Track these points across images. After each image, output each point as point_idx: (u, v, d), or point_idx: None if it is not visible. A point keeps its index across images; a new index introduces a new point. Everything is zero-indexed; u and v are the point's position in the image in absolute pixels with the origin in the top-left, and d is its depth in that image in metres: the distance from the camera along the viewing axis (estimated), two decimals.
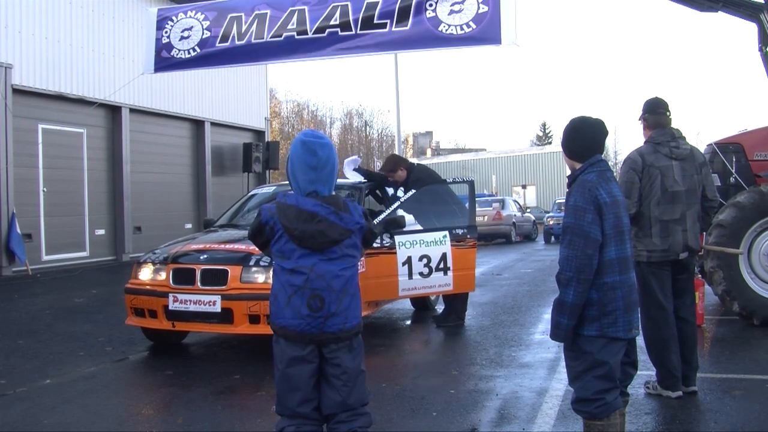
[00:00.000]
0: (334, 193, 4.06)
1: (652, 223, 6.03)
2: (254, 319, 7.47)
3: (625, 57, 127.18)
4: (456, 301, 9.84)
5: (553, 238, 29.76)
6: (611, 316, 4.12)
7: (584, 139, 4.35)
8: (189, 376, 7.27)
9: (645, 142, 6.21)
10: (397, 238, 8.93)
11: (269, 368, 7.29)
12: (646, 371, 6.48)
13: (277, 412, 4.04)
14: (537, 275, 16.23)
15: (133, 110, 19.96)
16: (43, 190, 17.04)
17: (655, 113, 6.21)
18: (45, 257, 17.07)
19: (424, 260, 9.01)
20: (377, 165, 48.77)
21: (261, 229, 4.00)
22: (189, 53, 11.13)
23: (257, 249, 7.74)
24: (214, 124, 23.78)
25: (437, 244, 9.12)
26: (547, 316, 9.19)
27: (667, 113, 6.24)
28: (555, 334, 4.20)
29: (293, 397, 3.93)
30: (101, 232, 19.08)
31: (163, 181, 21.46)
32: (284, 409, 3.97)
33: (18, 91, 16.38)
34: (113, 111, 19.50)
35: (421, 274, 9.00)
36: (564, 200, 4.40)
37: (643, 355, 6.27)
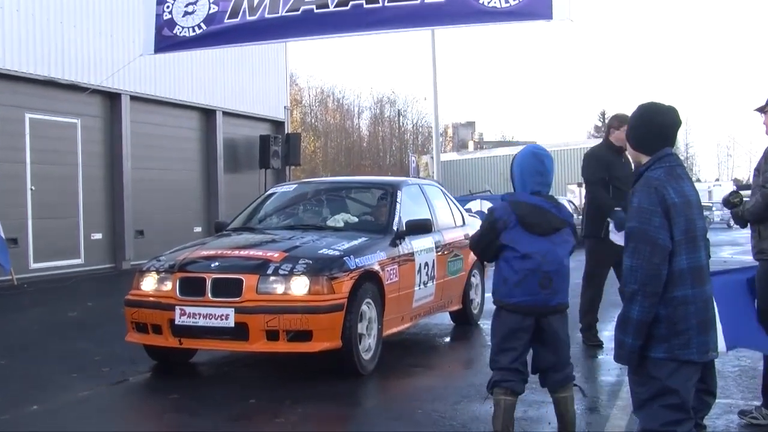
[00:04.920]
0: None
1: None
2: (272, 336, 7.48)
3: (698, 34, 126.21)
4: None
5: None
6: (683, 336, 4.07)
7: (653, 128, 4.31)
8: (198, 400, 7.31)
9: None
10: (414, 244, 9.14)
11: (289, 391, 7.35)
12: (724, 399, 6.42)
13: (491, 367, 5.66)
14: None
15: (134, 98, 20.05)
16: (31, 189, 17.13)
17: None
18: (33, 265, 17.17)
19: (427, 268, 9.39)
20: (412, 161, 48.54)
21: (494, 224, 5.55)
22: (194, 31, 11.17)
23: (276, 256, 7.79)
24: (226, 113, 23.86)
25: (429, 251, 9.56)
26: (608, 333, 9.12)
27: None
28: (618, 356, 4.17)
29: (506, 357, 5.53)
30: (98, 236, 19.19)
31: (168, 179, 21.55)
32: (498, 365, 5.58)
33: (1, 76, 16.49)
34: (111, 99, 19.61)
35: (424, 283, 9.31)
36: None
37: (722, 381, 6.21)
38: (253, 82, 25.17)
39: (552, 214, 5.59)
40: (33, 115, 17.35)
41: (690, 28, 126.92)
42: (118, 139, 19.71)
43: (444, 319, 11.13)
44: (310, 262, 7.71)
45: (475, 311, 11.09)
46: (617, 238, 8.54)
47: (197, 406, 7.10)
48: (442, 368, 8.89)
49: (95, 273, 18.49)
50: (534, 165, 5.66)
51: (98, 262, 19.12)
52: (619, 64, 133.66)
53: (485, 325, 10.98)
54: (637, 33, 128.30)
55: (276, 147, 24.52)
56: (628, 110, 4.49)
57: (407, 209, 9.42)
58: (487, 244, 5.68)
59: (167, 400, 7.40)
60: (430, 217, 9.63)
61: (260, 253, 8.01)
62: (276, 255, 7.85)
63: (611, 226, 8.62)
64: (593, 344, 9.32)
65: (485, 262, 10.47)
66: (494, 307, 5.67)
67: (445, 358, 9.62)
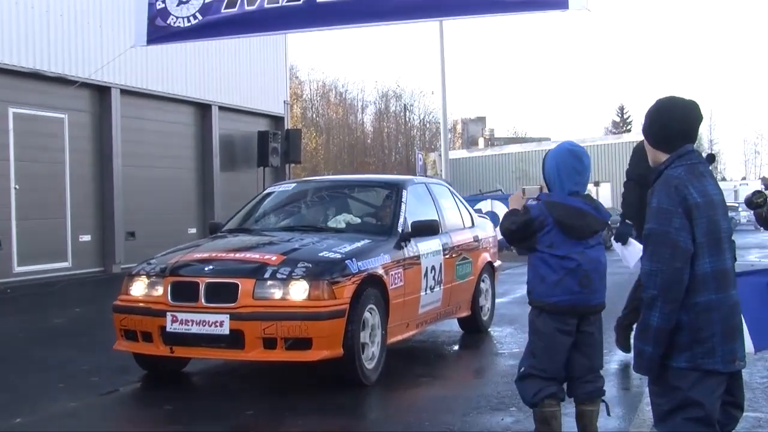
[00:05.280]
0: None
1: None
2: (270, 344, 7.45)
3: (723, 25, 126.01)
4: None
5: None
6: (706, 344, 4.04)
7: (672, 123, 4.27)
8: (192, 411, 7.31)
9: None
10: (420, 246, 9.11)
11: (288, 402, 7.33)
12: (752, 412, 6.39)
13: (524, 374, 5.66)
14: (613, 292, 15.92)
15: (124, 91, 20.06)
16: (15, 188, 17.13)
17: None
18: (17, 269, 17.18)
19: (433, 272, 9.33)
20: (419, 158, 48.53)
21: (530, 223, 5.58)
22: (189, 21, 11.14)
23: (273, 259, 7.77)
24: (222, 108, 23.89)
25: (436, 254, 9.51)
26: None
27: None
28: (638, 365, 4.15)
29: (554, 365, 5.58)
30: (86, 238, 19.21)
31: (161, 178, 21.54)
32: (541, 373, 5.57)
33: None
34: (101, 92, 19.64)
35: (430, 288, 9.27)
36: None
37: (749, 393, 6.18)
38: (250, 75, 25.14)
39: (592, 216, 5.63)
40: (17, 110, 17.35)
41: (714, 18, 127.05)
42: (107, 135, 19.71)
43: (452, 326, 11.12)
44: (310, 265, 7.67)
45: (485, 318, 11.03)
46: (619, 248, 8.53)
47: (192, 417, 7.09)
48: (451, 378, 8.88)
49: (83, 277, 18.49)
50: (571, 163, 5.68)
51: (86, 265, 19.12)
52: (638, 56, 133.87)
53: (495, 332, 10.97)
54: (658, 23, 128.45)
55: (275, 144, 24.50)
56: (647, 102, 4.42)
57: (413, 210, 9.38)
58: (519, 239, 5.76)
59: (160, 411, 7.39)
60: (437, 218, 9.62)
61: (257, 256, 7.99)
62: (274, 258, 7.82)
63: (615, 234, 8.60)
64: (622, 346, 9.11)
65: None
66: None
67: (454, 367, 9.60)
